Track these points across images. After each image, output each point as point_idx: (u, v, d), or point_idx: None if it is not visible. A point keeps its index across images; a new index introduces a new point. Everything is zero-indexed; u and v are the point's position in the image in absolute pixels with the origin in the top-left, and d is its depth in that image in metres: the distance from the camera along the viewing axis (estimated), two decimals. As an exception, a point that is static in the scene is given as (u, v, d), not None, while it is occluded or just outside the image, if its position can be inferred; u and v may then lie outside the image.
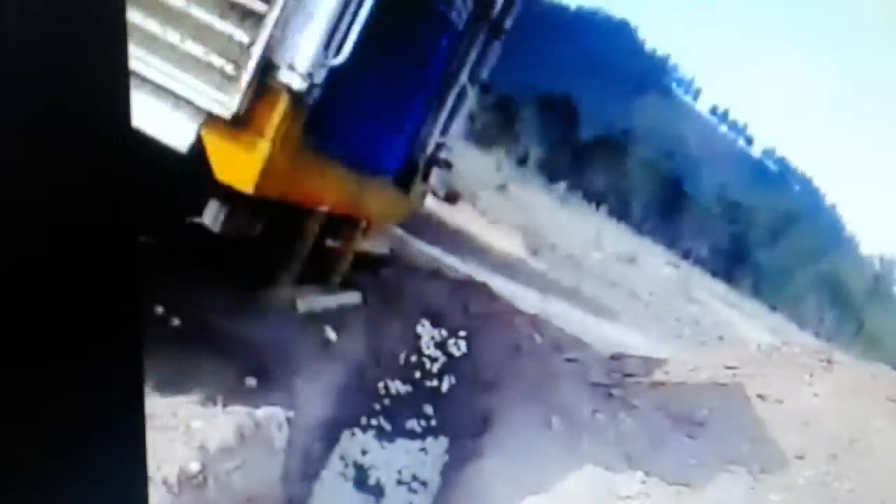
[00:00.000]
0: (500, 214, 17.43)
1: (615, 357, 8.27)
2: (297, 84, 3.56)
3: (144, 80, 3.53)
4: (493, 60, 8.73)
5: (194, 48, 3.54)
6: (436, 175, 16.79)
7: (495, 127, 49.05)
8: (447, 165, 8.87)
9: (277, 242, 4.50)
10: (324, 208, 4.46)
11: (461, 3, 5.40)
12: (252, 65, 3.51)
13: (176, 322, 4.15)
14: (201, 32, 3.55)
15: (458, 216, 15.86)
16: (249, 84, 3.51)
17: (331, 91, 4.64)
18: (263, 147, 3.55)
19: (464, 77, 5.74)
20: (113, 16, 0.93)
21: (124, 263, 0.98)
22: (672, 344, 12.23)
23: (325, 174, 4.23)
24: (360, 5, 3.69)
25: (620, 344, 9.99)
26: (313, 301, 4.73)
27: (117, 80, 0.95)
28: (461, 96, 5.78)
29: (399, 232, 11.76)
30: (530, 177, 33.56)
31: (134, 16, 3.53)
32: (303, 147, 3.84)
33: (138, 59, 3.55)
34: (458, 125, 14.74)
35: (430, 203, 16.72)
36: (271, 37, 3.53)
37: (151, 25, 3.54)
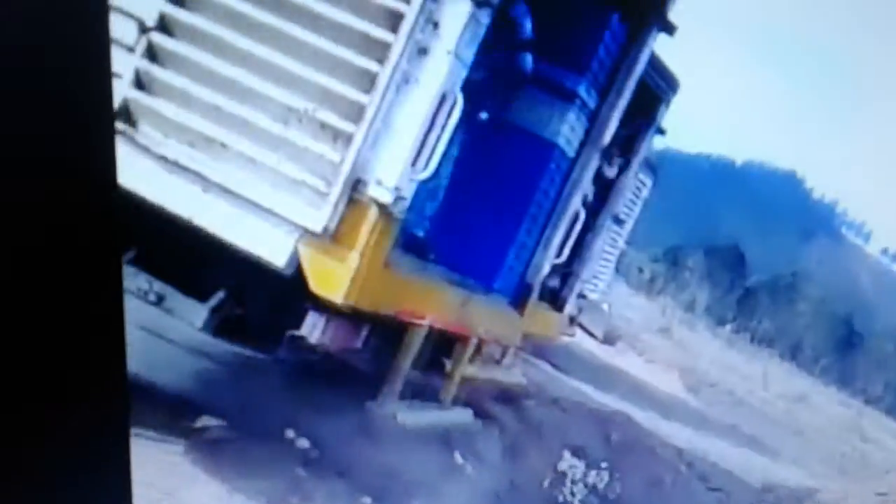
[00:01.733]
0: (659, 355, 16.80)
1: (766, 488, 7.58)
2: (385, 198, 3.52)
3: (243, 199, 3.58)
4: (626, 195, 8.52)
5: (290, 169, 3.57)
6: (591, 317, 16.40)
7: (663, 276, 48.24)
8: (582, 297, 8.59)
9: (380, 357, 4.39)
10: (424, 322, 4.33)
11: (570, 130, 5.32)
12: (342, 181, 3.50)
13: (290, 435, 4.05)
14: (297, 154, 3.59)
15: (615, 357, 15.38)
16: (339, 200, 3.50)
17: (431, 208, 4.58)
18: (353, 259, 3.50)
19: (575, 203, 5.59)
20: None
21: (108, 310, 0.94)
22: (835, 480, 11.12)
23: (422, 288, 4.14)
24: (445, 124, 3.65)
25: (774, 477, 9.16)
26: (417, 416, 4.54)
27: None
28: (575, 222, 5.61)
29: (548, 368, 11.46)
30: (696, 321, 32.42)
31: (232, 140, 3.62)
32: (398, 260, 3.78)
33: (240, 181, 3.61)
34: (608, 270, 14.47)
35: (588, 343, 16.32)
36: (360, 155, 3.53)
37: (250, 149, 3.61)
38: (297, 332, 3.80)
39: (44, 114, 0.84)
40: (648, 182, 15.25)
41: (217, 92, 3.69)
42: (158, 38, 3.75)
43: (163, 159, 3.72)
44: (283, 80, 3.64)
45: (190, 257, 4.03)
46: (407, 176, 3.58)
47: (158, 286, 3.98)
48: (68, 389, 0.90)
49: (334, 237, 3.50)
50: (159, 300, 3.96)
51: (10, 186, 0.80)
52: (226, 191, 3.64)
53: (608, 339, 19.13)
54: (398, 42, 3.57)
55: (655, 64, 6.87)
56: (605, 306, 17.15)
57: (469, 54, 3.76)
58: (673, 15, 5.98)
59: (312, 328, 3.77)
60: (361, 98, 3.55)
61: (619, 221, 9.10)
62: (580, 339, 15.77)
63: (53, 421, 0.89)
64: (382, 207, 3.53)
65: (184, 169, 3.70)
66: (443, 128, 3.63)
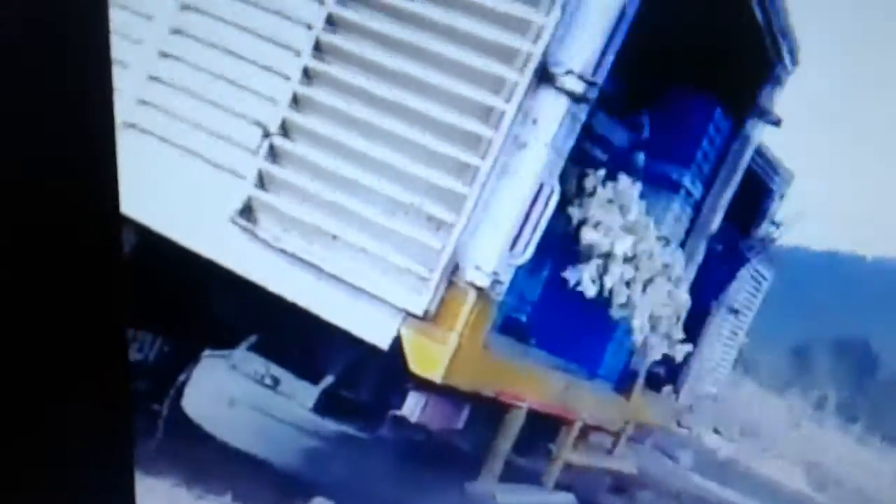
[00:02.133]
0: (785, 451, 16.02)
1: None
2: (483, 282, 3.62)
3: (351, 287, 3.73)
4: (741, 285, 8.35)
5: (395, 257, 3.71)
6: (712, 410, 15.87)
7: (790, 371, 46.30)
8: (698, 388, 8.37)
9: (481, 438, 4.41)
10: (524, 404, 4.34)
11: (674, 220, 5.33)
12: (442, 267, 3.62)
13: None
14: (402, 243, 3.73)
15: (738, 452, 14.76)
16: (439, 284, 3.61)
17: (533, 293, 4.64)
18: (451, 339, 3.59)
19: (682, 291, 5.54)
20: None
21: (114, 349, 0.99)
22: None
23: (522, 370, 4.17)
24: (542, 212, 3.73)
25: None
26: (517, 498, 4.51)
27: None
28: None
29: (666, 461, 11.09)
30: (824, 417, 30.76)
31: (344, 232, 3.80)
32: (497, 342, 3.84)
33: (349, 270, 3.77)
34: (728, 363, 13.99)
35: (710, 437, 15.72)
36: (460, 242, 3.64)
37: (359, 240, 3.78)
38: (399, 412, 3.89)
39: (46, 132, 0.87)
40: (768, 275, 14.82)
41: (332, 188, 3.89)
42: (280, 141, 3.99)
43: (281, 252, 3.91)
44: (392, 175, 3.82)
45: (305, 342, 4.22)
46: (504, 261, 3.67)
47: (275, 370, 4.16)
48: (70, 402, 0.92)
49: (434, 320, 3.61)
50: (275, 383, 4.13)
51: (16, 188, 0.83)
52: (337, 279, 3.80)
53: (730, 434, 18.38)
54: (498, 137, 3.70)
55: (765, 155, 6.84)
56: (726, 400, 16.58)
57: (566, 146, 3.87)
58: (790, 106, 5.98)
59: (413, 408, 3.86)
60: (462, 190, 3.69)
61: (734, 312, 8.89)
62: (701, 433, 15.26)
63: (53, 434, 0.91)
64: (480, 291, 3.62)
65: (300, 260, 3.89)
66: (540, 216, 3.72)
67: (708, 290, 7.35)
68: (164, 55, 4.18)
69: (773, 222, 7.71)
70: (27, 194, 0.87)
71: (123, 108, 4.20)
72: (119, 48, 4.17)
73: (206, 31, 4.14)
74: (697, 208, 5.61)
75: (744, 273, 7.36)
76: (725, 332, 12.99)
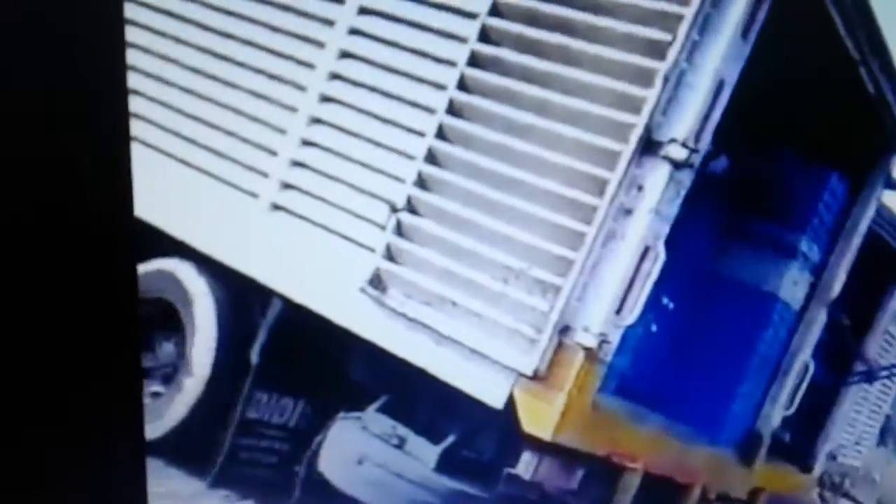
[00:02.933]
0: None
1: None
2: (590, 342, 3.63)
3: (467, 349, 3.81)
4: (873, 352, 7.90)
5: (507, 320, 3.78)
6: (860, 486, 14.82)
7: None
8: (833, 458, 7.90)
9: (596, 499, 4.32)
10: (637, 466, 4.23)
11: (792, 284, 5.16)
12: (550, 328, 3.65)
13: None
14: (513, 307, 3.80)
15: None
16: (548, 345, 3.64)
17: (642, 352, 4.57)
18: (560, 399, 3.61)
19: (804, 356, 5.31)
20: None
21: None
22: None
23: (635, 431, 4.09)
24: (649, 275, 3.72)
25: None
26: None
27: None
28: (805, 375, 5.32)
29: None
30: None
31: (461, 298, 3.90)
32: (611, 404, 3.81)
33: (465, 333, 3.86)
34: (872, 435, 13.12)
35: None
36: (568, 304, 3.68)
37: (475, 305, 3.87)
38: (513, 471, 3.88)
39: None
40: (917, 344, 13.86)
41: (450, 258, 4.03)
42: (405, 216, 4.17)
43: (404, 317, 4.05)
44: (504, 244, 3.92)
45: (429, 404, 4.32)
46: (611, 322, 3.67)
47: (401, 430, 4.26)
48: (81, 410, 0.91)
49: (544, 379, 3.63)
50: (401, 443, 4.23)
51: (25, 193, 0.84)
52: (454, 342, 3.89)
53: (875, 510, 16.95)
54: (604, 204, 3.75)
55: (890, 218, 6.57)
56: (876, 476, 15.42)
57: (671, 211, 3.87)
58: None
59: (527, 466, 3.85)
60: (571, 255, 3.74)
61: (870, 379, 8.40)
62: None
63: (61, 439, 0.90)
64: (588, 351, 3.63)
65: (422, 325, 4.01)
66: (646, 278, 3.72)
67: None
68: (306, 142, 4.49)
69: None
70: (39, 196, 0.88)
71: (271, 191, 4.52)
72: (266, 137, 4.53)
73: (343, 119, 4.42)
74: (817, 274, 5.41)
75: (875, 340, 6.98)
76: (866, 401, 12.22)
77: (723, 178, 4.81)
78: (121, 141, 1.01)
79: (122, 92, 1.00)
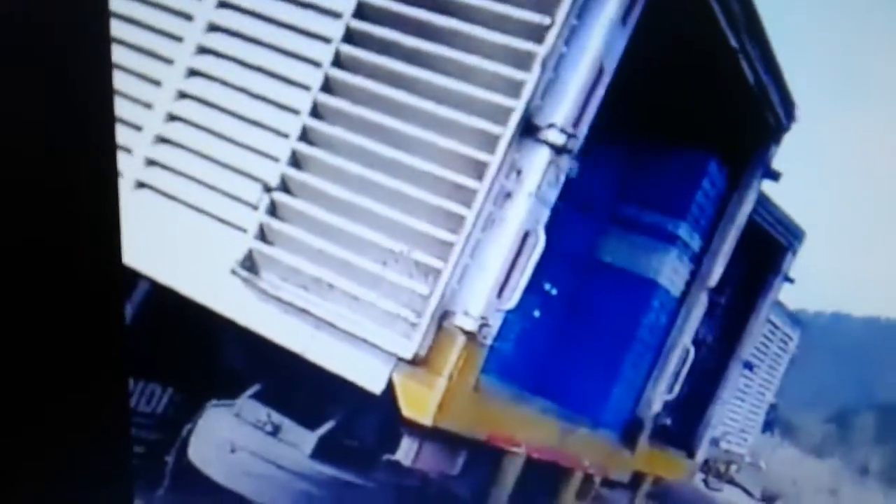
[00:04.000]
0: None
1: None
2: (471, 326, 3.69)
3: (346, 334, 3.82)
4: (754, 339, 8.28)
5: (386, 304, 3.80)
6: (747, 474, 15.54)
7: (832, 437, 45.15)
8: (715, 443, 8.27)
9: (478, 484, 4.41)
10: (519, 450, 4.34)
11: (672, 271, 5.37)
12: (430, 313, 3.70)
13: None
14: (393, 290, 3.82)
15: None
16: (428, 329, 3.68)
17: (525, 337, 4.68)
18: (440, 383, 3.66)
19: (684, 341, 5.54)
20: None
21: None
22: None
23: (517, 414, 4.19)
24: (529, 259, 3.81)
25: None
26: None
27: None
28: (685, 360, 5.55)
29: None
30: (868, 481, 29.87)
31: (338, 281, 3.90)
32: (492, 388, 3.89)
33: (343, 317, 3.87)
34: (755, 423, 13.74)
35: (744, 501, 15.35)
36: (448, 288, 3.73)
37: (353, 288, 3.88)
38: (393, 457, 3.92)
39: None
40: (794, 336, 14.64)
41: (326, 239, 4.02)
42: (279, 196, 4.13)
43: (279, 301, 4.03)
44: (383, 226, 3.94)
45: (307, 390, 4.31)
46: (492, 307, 3.74)
47: (276, 417, 4.24)
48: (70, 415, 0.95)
49: (424, 364, 3.67)
50: (276, 430, 4.21)
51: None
52: (332, 326, 3.89)
53: (766, 498, 17.86)
54: (483, 188, 3.81)
55: (772, 210, 6.88)
56: (761, 464, 16.18)
57: (551, 196, 3.96)
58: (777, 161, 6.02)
59: (407, 452, 3.88)
60: (450, 238, 3.78)
61: (749, 367, 8.81)
62: (737, 498, 14.91)
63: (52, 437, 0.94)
64: (469, 335, 3.69)
65: (297, 309, 3.99)
66: (526, 263, 3.80)
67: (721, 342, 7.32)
68: (173, 118, 4.38)
69: (786, 278, 7.70)
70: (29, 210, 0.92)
71: (135, 168, 4.40)
72: (131, 112, 4.40)
73: (212, 94, 4.34)
74: (697, 261, 5.65)
75: (756, 329, 7.33)
76: (750, 389, 12.79)
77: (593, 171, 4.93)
78: (105, 151, 1.06)
79: (109, 109, 1.04)
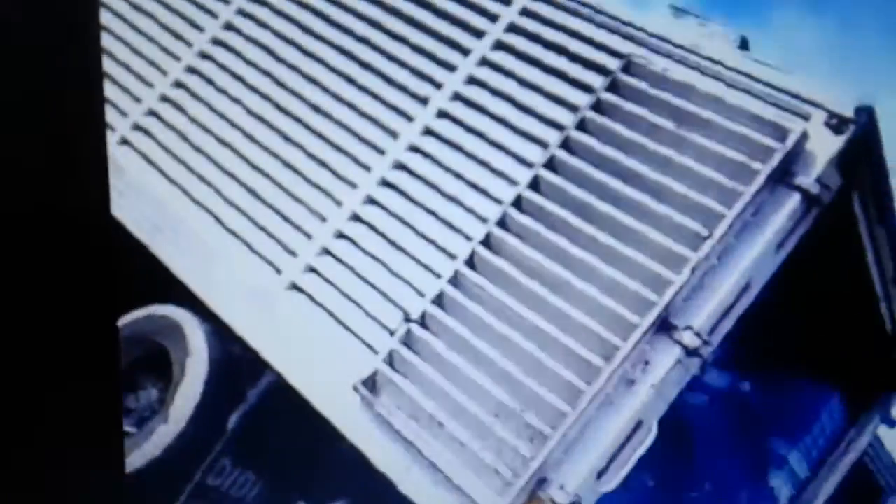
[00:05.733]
0: None
1: None
2: (563, 501, 3.79)
3: (442, 475, 3.98)
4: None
5: (488, 456, 3.96)
6: None
7: None
8: None
9: None
10: None
11: (798, 461, 5.34)
12: (528, 476, 3.83)
13: None
14: (498, 445, 3.98)
15: None
16: (521, 491, 3.80)
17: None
18: (522, 548, 3.74)
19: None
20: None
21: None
22: None
23: None
24: (635, 449, 3.92)
25: None
26: None
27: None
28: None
29: None
30: None
31: (449, 422, 4.09)
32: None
33: (445, 459, 4.04)
34: None
35: None
36: (550, 456, 3.86)
37: (461, 433, 4.06)
38: None
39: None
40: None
41: (449, 380, 4.23)
42: (416, 329, 4.40)
43: (389, 426, 4.24)
44: (505, 380, 4.13)
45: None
46: (589, 487, 3.84)
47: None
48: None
49: (515, 523, 3.78)
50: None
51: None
52: (431, 464, 4.07)
53: None
54: (608, 370, 3.98)
55: (882, 455, 6.76)
56: None
57: (672, 393, 4.09)
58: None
59: None
60: (565, 408, 3.94)
61: None
62: None
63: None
64: (562, 509, 3.79)
65: (403, 439, 4.19)
66: (633, 451, 3.91)
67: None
68: (342, 235, 4.78)
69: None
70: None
71: (295, 271, 4.79)
72: (305, 219, 4.83)
73: (381, 223, 4.72)
74: (801, 489, 5.58)
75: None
76: None
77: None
78: (96, 144, 1.09)
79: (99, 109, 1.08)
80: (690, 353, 4.02)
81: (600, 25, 4.66)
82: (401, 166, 4.79)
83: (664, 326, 4.01)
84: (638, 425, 3.96)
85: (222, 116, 5.37)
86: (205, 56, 5.60)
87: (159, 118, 5.54)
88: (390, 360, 4.38)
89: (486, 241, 4.40)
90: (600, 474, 3.88)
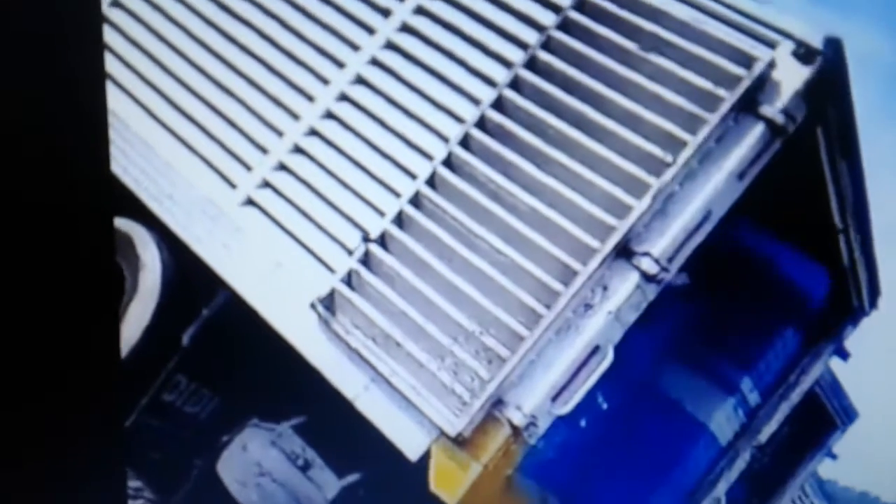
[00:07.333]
0: None
1: None
2: (519, 421, 3.86)
3: (399, 394, 4.02)
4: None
5: (445, 376, 4.00)
6: None
7: None
8: None
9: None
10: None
11: (724, 419, 5.47)
12: (485, 397, 3.88)
13: None
14: (455, 365, 4.02)
15: None
16: (478, 412, 3.86)
17: (566, 446, 4.82)
18: (475, 468, 3.82)
19: (718, 492, 5.61)
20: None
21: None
22: None
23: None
24: (591, 373, 3.99)
25: None
26: None
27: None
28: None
29: None
30: None
31: (407, 342, 4.12)
32: (520, 484, 4.03)
33: (401, 378, 4.08)
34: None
35: None
36: (507, 379, 3.91)
37: (418, 353, 4.09)
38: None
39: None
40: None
41: (407, 301, 4.24)
42: (375, 248, 4.39)
43: (346, 345, 4.26)
44: (463, 302, 4.15)
45: (346, 436, 4.51)
46: (545, 408, 3.91)
47: (309, 454, 4.45)
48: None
49: (465, 445, 3.84)
50: (306, 466, 4.42)
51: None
52: (388, 383, 4.10)
53: None
54: (567, 295, 4.01)
55: (834, 387, 6.96)
56: None
57: (629, 319, 4.13)
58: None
59: (424, 524, 4.02)
60: (523, 332, 3.98)
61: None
62: None
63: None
64: (515, 429, 3.86)
65: (360, 357, 4.22)
66: (588, 375, 3.98)
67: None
68: (298, 150, 4.71)
69: (830, 454, 7.71)
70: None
71: (250, 185, 4.73)
72: (259, 133, 4.75)
73: (342, 140, 4.65)
74: (751, 416, 5.74)
75: (789, 494, 7.33)
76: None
77: (681, 293, 5.10)
78: (98, 126, 1.09)
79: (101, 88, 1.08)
80: (649, 279, 4.06)
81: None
82: (361, 81, 4.70)
83: (624, 252, 4.03)
84: (595, 350, 4.01)
85: (182, 28, 5.22)
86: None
87: (118, 30, 5.36)
88: (348, 280, 4.37)
89: (448, 161, 4.36)
90: (556, 397, 3.95)
